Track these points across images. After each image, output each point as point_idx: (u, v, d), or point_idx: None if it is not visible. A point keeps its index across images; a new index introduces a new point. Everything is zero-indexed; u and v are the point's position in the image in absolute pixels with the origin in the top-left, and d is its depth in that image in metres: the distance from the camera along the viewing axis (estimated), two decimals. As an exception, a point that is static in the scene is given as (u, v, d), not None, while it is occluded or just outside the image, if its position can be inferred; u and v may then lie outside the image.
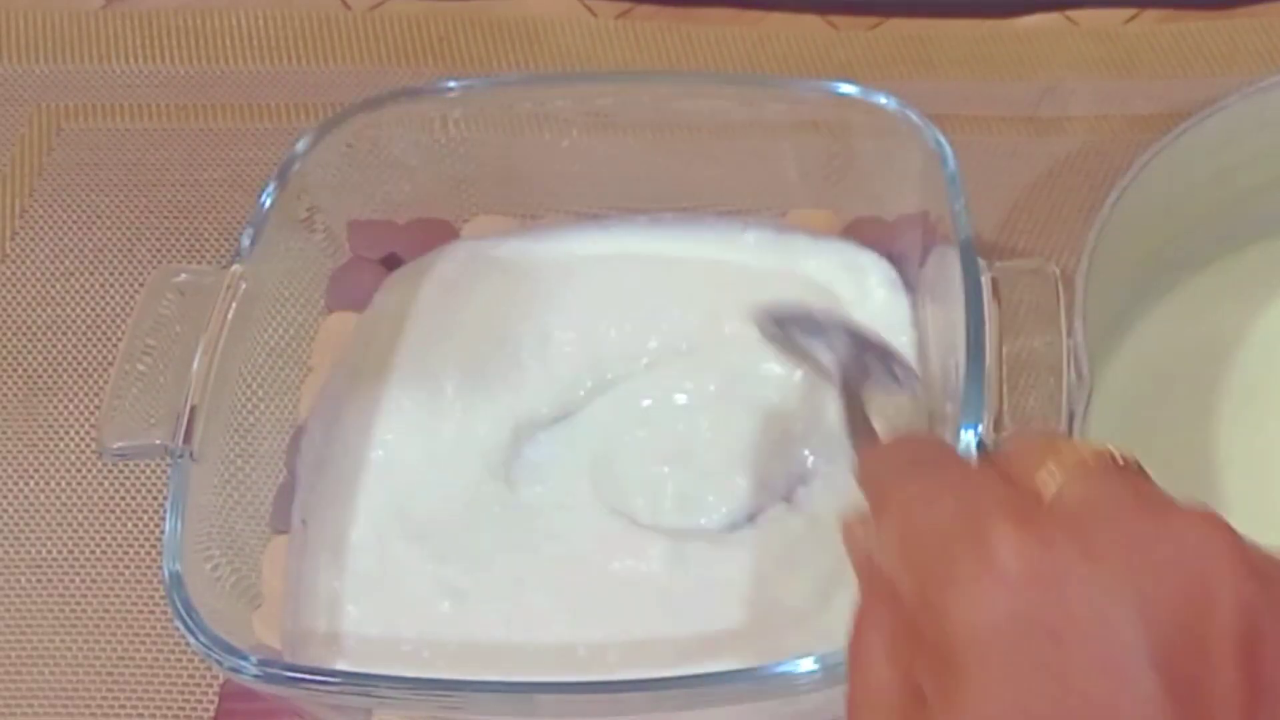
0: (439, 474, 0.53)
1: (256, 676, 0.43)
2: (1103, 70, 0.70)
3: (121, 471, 0.59)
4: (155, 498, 0.58)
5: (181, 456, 0.47)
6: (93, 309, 0.64)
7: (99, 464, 0.59)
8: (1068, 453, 0.31)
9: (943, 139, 0.52)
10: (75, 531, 0.57)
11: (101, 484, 0.59)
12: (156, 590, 0.55)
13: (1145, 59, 0.71)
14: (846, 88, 0.54)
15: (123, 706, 0.53)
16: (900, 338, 0.54)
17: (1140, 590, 0.28)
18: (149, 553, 0.57)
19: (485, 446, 0.53)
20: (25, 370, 0.62)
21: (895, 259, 0.57)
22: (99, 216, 0.67)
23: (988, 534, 0.29)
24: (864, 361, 0.47)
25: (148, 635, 0.55)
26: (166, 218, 0.67)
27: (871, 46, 0.72)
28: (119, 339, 0.59)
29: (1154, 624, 0.28)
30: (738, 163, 0.58)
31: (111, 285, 0.65)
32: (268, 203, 0.53)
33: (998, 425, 0.44)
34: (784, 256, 0.57)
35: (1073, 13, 0.72)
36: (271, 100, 0.72)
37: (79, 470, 0.59)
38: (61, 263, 0.66)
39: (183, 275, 0.50)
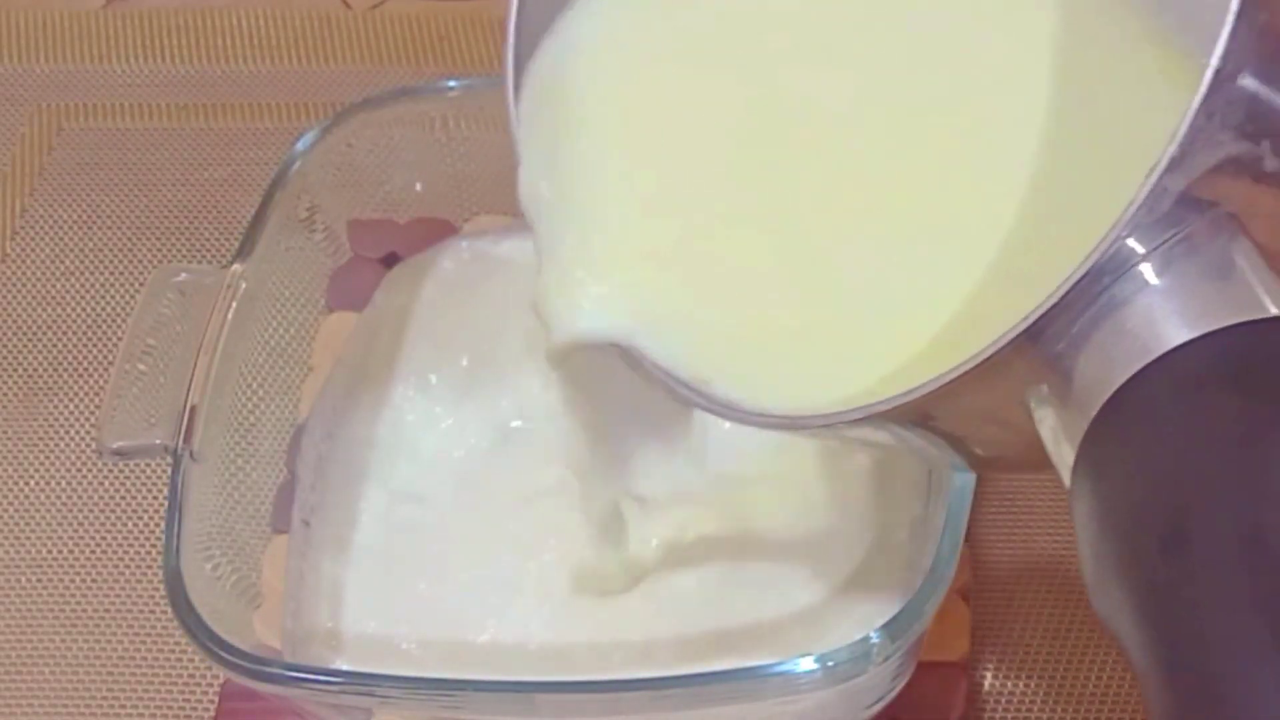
0: (440, 470, 0.53)
1: (256, 676, 0.43)
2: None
3: (121, 471, 0.59)
4: (155, 498, 0.58)
5: (181, 456, 0.47)
6: (93, 309, 0.64)
7: (99, 464, 0.59)
8: None
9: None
10: (75, 531, 0.57)
11: (101, 484, 0.59)
12: (157, 590, 0.55)
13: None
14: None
15: (123, 706, 0.53)
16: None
17: None
18: (149, 553, 0.57)
19: (486, 443, 0.53)
20: (25, 370, 0.62)
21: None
22: (99, 216, 0.67)
23: None
24: None
25: (148, 635, 0.55)
26: (167, 217, 0.67)
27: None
28: (119, 339, 0.59)
29: None
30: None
31: (111, 285, 0.65)
32: (268, 202, 0.53)
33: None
34: None
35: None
36: (271, 100, 0.72)
37: (79, 470, 0.59)
38: (61, 263, 0.66)
39: (183, 275, 0.50)
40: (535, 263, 0.41)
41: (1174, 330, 0.31)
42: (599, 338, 0.39)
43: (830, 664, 0.41)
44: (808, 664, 0.41)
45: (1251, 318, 0.31)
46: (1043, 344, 0.31)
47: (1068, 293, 0.30)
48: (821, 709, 0.44)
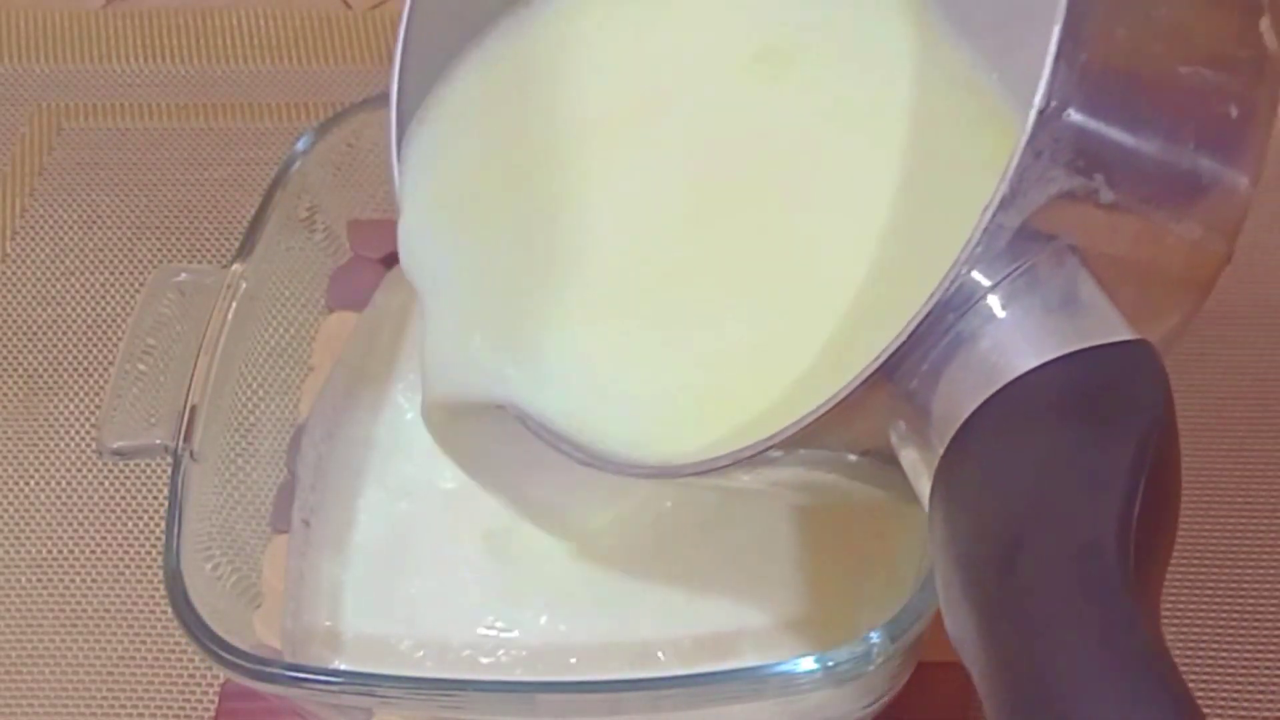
0: (439, 469, 0.53)
1: (256, 676, 0.43)
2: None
3: (121, 471, 0.59)
4: (155, 498, 0.58)
5: (181, 456, 0.47)
6: (93, 309, 0.64)
7: (99, 464, 0.59)
8: None
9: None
10: (75, 531, 0.57)
11: (101, 484, 0.59)
12: (157, 590, 0.55)
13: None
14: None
15: (123, 706, 0.53)
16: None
17: None
18: (149, 553, 0.57)
19: None
20: (25, 370, 0.62)
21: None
22: (99, 216, 0.67)
23: None
24: None
25: (148, 635, 0.55)
26: (167, 217, 0.67)
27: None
28: (119, 339, 0.59)
29: None
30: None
31: (112, 285, 0.65)
32: (268, 202, 0.53)
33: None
34: None
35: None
36: (272, 100, 0.72)
37: (79, 470, 0.59)
38: (62, 262, 0.66)
39: (183, 275, 0.50)
40: (420, 320, 0.43)
41: (1019, 359, 0.32)
42: (490, 397, 0.41)
43: (830, 664, 0.41)
44: (808, 664, 0.41)
45: (1091, 344, 0.32)
46: (897, 381, 0.32)
47: (917, 328, 0.32)
48: (821, 709, 0.44)
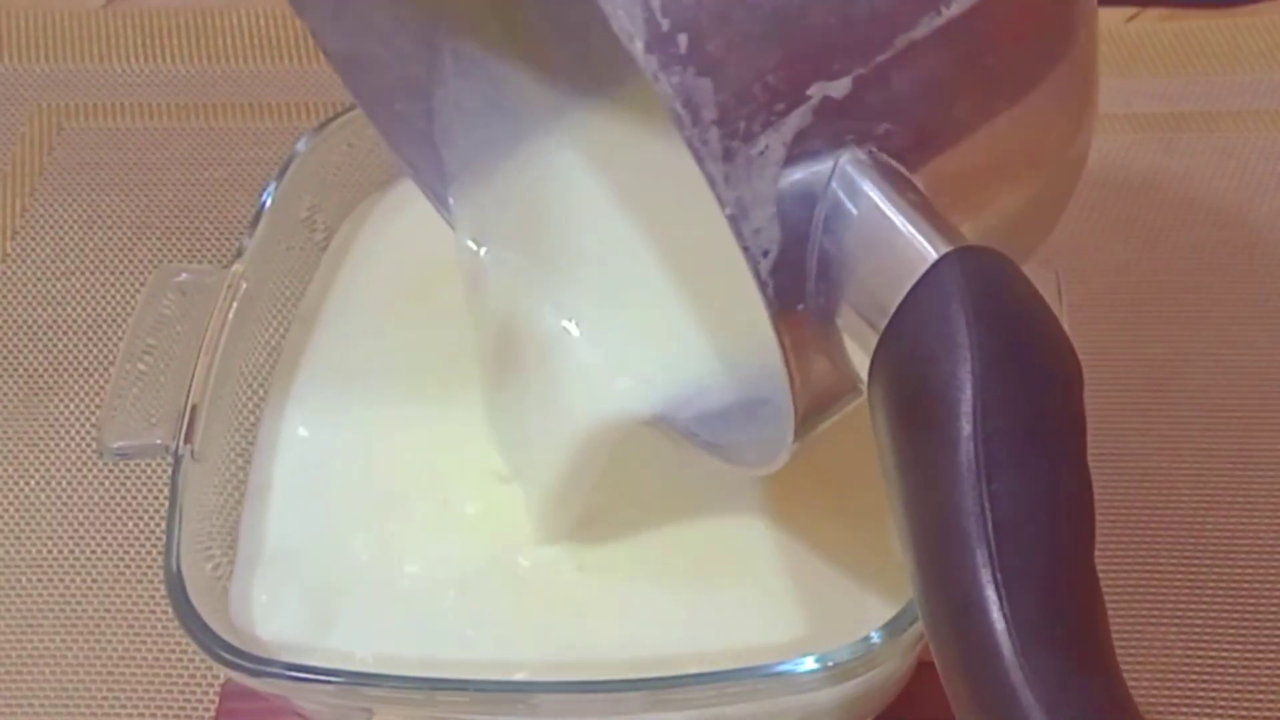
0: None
1: (256, 676, 0.43)
2: (1104, 69, 0.70)
3: (121, 471, 0.59)
4: (155, 498, 0.58)
5: (182, 456, 0.47)
6: (93, 309, 0.64)
7: (99, 464, 0.59)
8: None
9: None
10: (75, 531, 0.57)
11: (101, 484, 0.59)
12: (157, 590, 0.55)
13: (1147, 58, 0.71)
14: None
15: (123, 706, 0.53)
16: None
17: None
18: (149, 553, 0.57)
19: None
20: (25, 370, 0.62)
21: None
22: (100, 216, 0.67)
23: None
24: None
25: (148, 635, 0.55)
26: (167, 217, 0.67)
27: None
28: (119, 339, 0.59)
29: None
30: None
31: (112, 285, 0.65)
32: (268, 202, 0.53)
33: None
34: None
35: (1073, 12, 0.72)
36: (272, 100, 0.72)
37: (79, 470, 0.59)
38: (62, 262, 0.66)
39: (183, 275, 0.50)
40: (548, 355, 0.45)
41: (873, 315, 0.31)
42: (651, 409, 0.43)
43: (830, 664, 0.41)
44: (808, 664, 0.41)
45: (903, 293, 0.30)
46: (807, 308, 0.32)
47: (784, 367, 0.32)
48: (822, 709, 0.44)
